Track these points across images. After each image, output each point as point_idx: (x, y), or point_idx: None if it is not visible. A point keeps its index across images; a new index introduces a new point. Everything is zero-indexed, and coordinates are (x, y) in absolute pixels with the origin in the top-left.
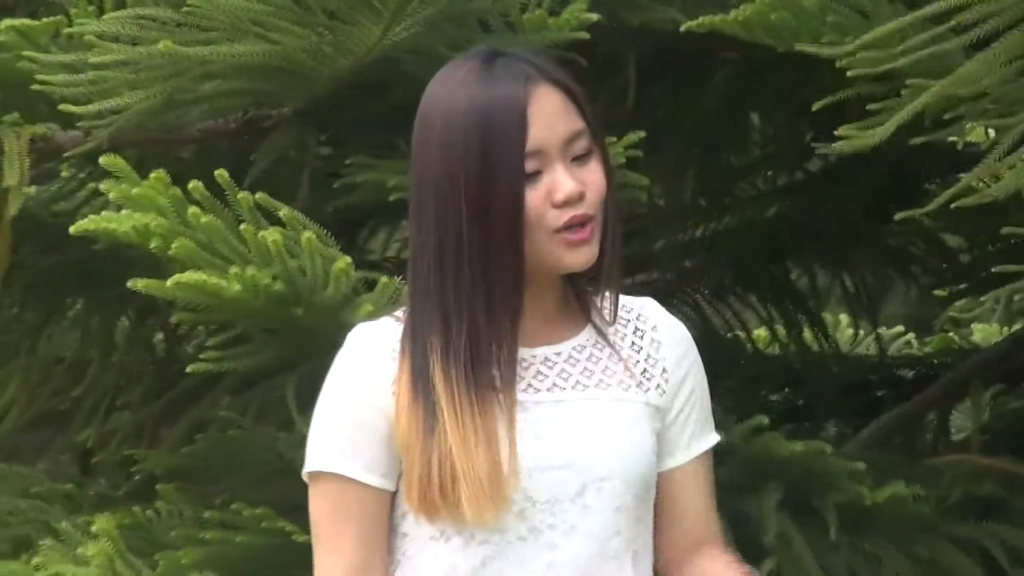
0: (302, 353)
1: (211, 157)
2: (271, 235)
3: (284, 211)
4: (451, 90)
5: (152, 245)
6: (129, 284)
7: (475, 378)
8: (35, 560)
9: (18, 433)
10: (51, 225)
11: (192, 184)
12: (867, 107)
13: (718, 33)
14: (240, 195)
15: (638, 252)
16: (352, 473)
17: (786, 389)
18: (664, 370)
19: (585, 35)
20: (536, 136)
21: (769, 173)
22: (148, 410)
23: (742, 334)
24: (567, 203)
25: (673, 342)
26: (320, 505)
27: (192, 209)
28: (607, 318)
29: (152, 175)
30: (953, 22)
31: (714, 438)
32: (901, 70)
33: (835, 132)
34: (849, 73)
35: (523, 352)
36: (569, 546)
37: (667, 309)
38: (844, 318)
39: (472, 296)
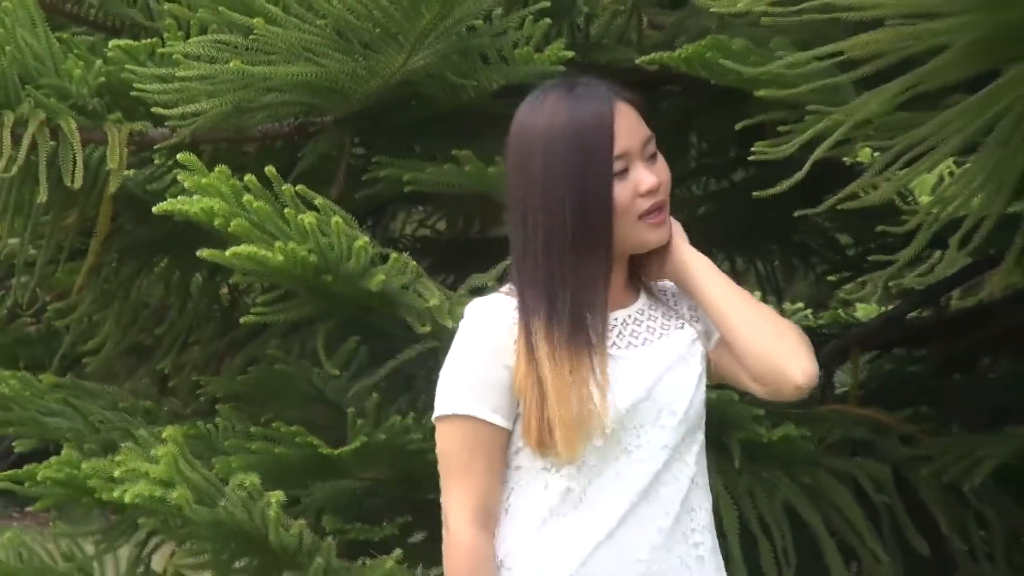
0: (330, 310)
1: (269, 153)
2: (307, 218)
3: (318, 200)
4: (545, 115)
5: (215, 223)
6: (198, 253)
7: (574, 341)
8: (117, 458)
9: (111, 361)
10: (144, 201)
11: (248, 177)
12: (777, 128)
13: (666, 70)
14: (284, 187)
15: None
16: (482, 415)
17: None
18: (687, 309)
19: (562, 68)
20: (621, 143)
21: (703, 180)
22: (213, 347)
23: None
24: (649, 193)
25: (686, 302)
26: (452, 442)
27: (247, 196)
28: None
29: (216, 169)
30: (843, 57)
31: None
32: (805, 100)
33: (751, 148)
34: (760, 93)
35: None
36: (652, 458)
37: None
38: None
39: (575, 273)
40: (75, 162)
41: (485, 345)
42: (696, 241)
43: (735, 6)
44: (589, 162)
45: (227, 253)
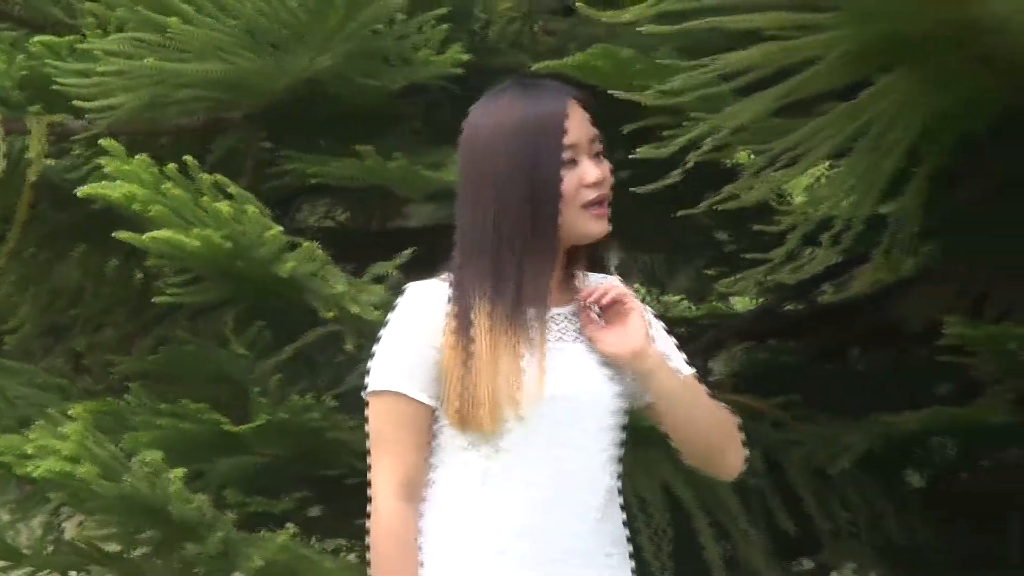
0: (239, 294)
1: (182, 145)
2: (222, 206)
3: (233, 189)
4: (500, 109)
5: (135, 208)
6: (116, 235)
7: (514, 322)
8: (30, 435)
9: (29, 341)
10: (63, 189)
11: (167, 165)
12: (660, 132)
13: (558, 74)
14: (202, 176)
15: None
16: (412, 393)
17: None
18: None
19: (459, 71)
20: (571, 135)
21: None
22: (125, 328)
23: None
24: (594, 184)
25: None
26: (384, 418)
27: (166, 184)
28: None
29: (138, 157)
30: (721, 67)
31: (689, 369)
32: (686, 106)
33: (635, 150)
34: (641, 97)
35: (532, 311)
36: (572, 458)
37: None
38: (640, 288)
39: (523, 256)
40: None
41: (418, 326)
42: None
43: (621, 17)
44: (542, 150)
45: (146, 237)
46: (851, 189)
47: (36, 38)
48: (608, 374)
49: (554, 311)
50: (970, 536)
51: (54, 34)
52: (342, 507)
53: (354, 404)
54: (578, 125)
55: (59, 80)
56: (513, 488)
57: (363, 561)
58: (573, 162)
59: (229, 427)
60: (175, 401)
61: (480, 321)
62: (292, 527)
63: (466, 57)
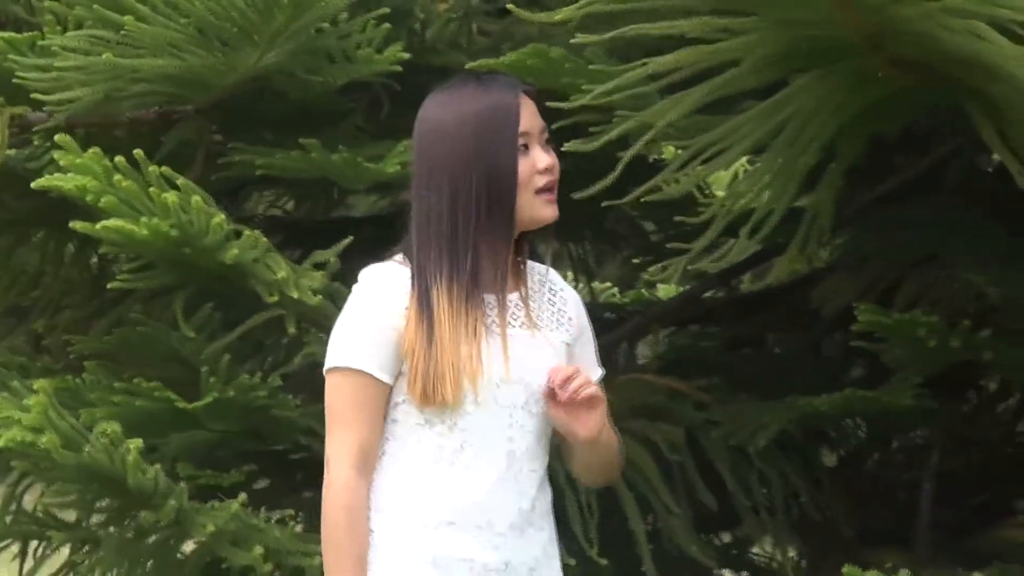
0: (188, 279)
1: (136, 137)
2: (170, 197)
3: (180, 180)
4: (456, 100)
5: (88, 199)
6: (71, 225)
7: (471, 302)
8: None
9: None
10: (24, 178)
11: (117, 158)
12: (589, 128)
13: (493, 72)
14: (151, 168)
15: None
16: (371, 371)
17: None
18: (570, 318)
19: (399, 69)
20: (524, 124)
21: None
22: (83, 310)
23: None
24: (547, 171)
25: (573, 300)
26: (342, 393)
27: (116, 176)
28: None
29: (90, 150)
30: (648, 68)
31: (600, 372)
32: (614, 104)
33: (564, 145)
34: (573, 100)
35: (488, 296)
36: (521, 439)
37: None
38: (570, 275)
39: (479, 236)
40: None
41: (379, 307)
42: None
43: (553, 18)
44: (498, 137)
45: (97, 226)
46: (769, 183)
47: None
48: (551, 359)
49: (505, 297)
50: (879, 513)
51: (15, 31)
52: (288, 480)
53: (298, 383)
54: (530, 115)
55: (20, 74)
56: (465, 465)
57: (307, 531)
58: (526, 148)
59: (181, 404)
60: (130, 379)
61: (441, 302)
62: (241, 498)
63: (406, 56)
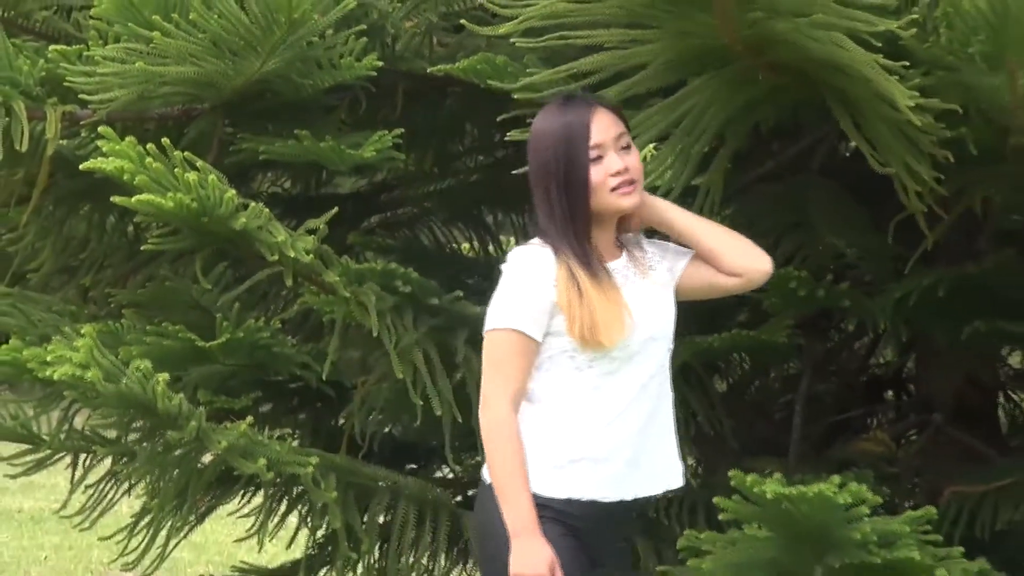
0: (205, 242)
1: (163, 129)
2: (191, 176)
3: (199, 163)
4: (549, 118)
5: (124, 178)
6: (112, 199)
7: (601, 269)
8: (49, 347)
9: (48, 277)
10: (73, 162)
11: (149, 145)
12: (527, 120)
13: (450, 76)
14: (175, 153)
15: (404, 197)
16: (528, 331)
17: (477, 276)
18: (650, 256)
19: (374, 73)
20: (596, 136)
21: (477, 157)
22: (122, 268)
23: (456, 246)
24: (618, 174)
25: (653, 248)
26: (503, 348)
27: (148, 159)
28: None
29: (126, 140)
30: (573, 70)
31: (687, 250)
32: (546, 99)
33: (507, 135)
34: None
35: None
36: (648, 369)
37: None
38: (512, 239)
39: (579, 225)
40: (23, 133)
41: (534, 279)
42: (469, 199)
43: (497, 32)
44: (570, 152)
45: (133, 200)
46: (671, 165)
47: (53, 47)
48: (670, 301)
49: (611, 264)
50: (760, 429)
51: (66, 44)
52: (286, 404)
53: (294, 326)
54: (603, 128)
55: (70, 79)
56: (607, 396)
57: (303, 445)
58: (600, 158)
59: (200, 343)
60: (159, 324)
61: (578, 269)
62: (248, 419)
63: (379, 63)
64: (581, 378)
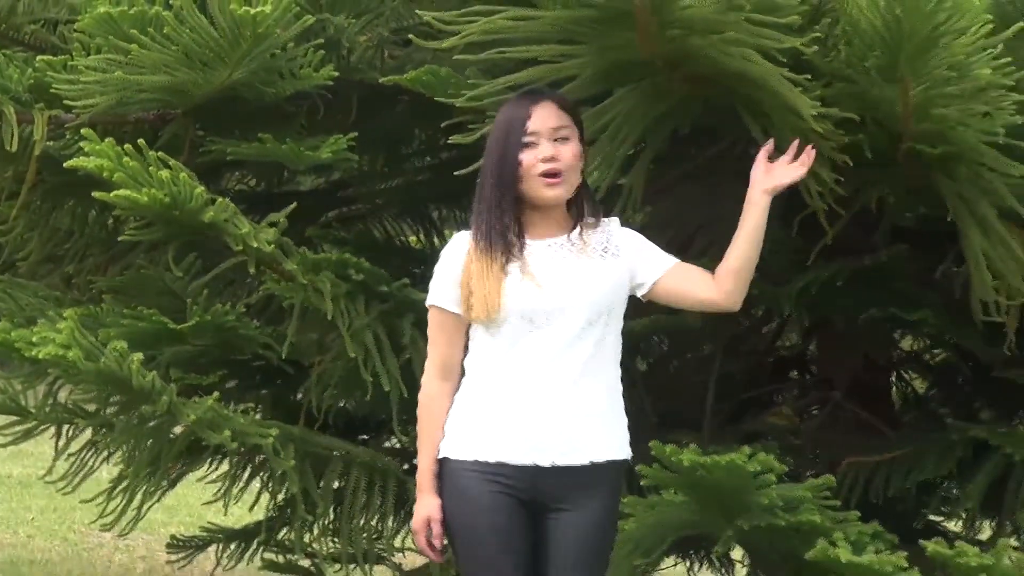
0: (178, 234)
1: (140, 131)
2: (164, 173)
3: (172, 162)
4: (502, 109)
5: (104, 175)
6: (93, 194)
7: (486, 251)
8: (35, 329)
9: (35, 266)
10: (58, 161)
11: (126, 146)
12: (468, 126)
13: (399, 86)
14: (150, 153)
15: (357, 194)
16: (443, 304)
17: (423, 266)
18: (616, 246)
19: (330, 83)
20: (533, 124)
21: (424, 158)
22: (101, 258)
23: (404, 238)
24: (547, 160)
25: (621, 233)
26: (430, 323)
27: (125, 159)
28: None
29: (106, 141)
30: (510, 81)
31: (674, 259)
32: (485, 107)
33: (451, 139)
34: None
35: (533, 241)
36: (560, 339)
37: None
38: (455, 232)
39: (493, 209)
40: (13, 134)
41: (448, 259)
42: (416, 196)
43: (442, 46)
44: (507, 137)
45: (112, 195)
46: (598, 166)
47: (40, 57)
48: (602, 282)
49: (544, 242)
50: (677, 405)
51: (52, 54)
52: (250, 381)
53: (257, 310)
54: (542, 118)
55: (55, 87)
56: (512, 364)
57: (264, 418)
58: (533, 144)
59: (172, 325)
60: (135, 308)
61: (472, 250)
62: (216, 394)
63: (336, 74)
64: (492, 348)
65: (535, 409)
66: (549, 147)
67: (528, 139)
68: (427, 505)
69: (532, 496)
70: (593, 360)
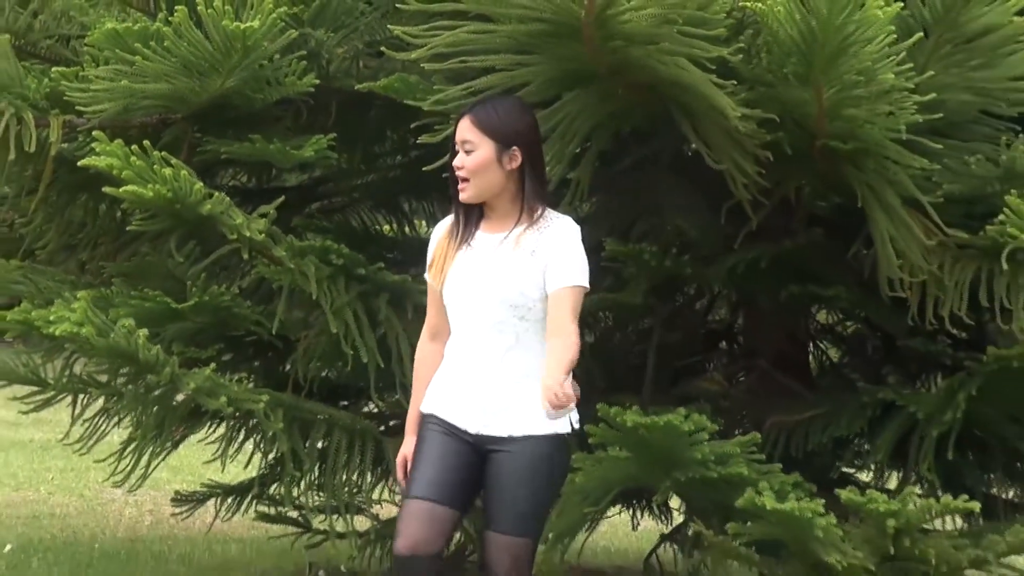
0: (178, 224)
1: (145, 133)
2: (166, 171)
3: (174, 161)
4: None
5: (114, 173)
6: (103, 190)
7: (451, 238)
8: (52, 309)
9: (53, 253)
10: (72, 161)
11: (133, 147)
12: (435, 127)
13: (373, 92)
14: (154, 153)
15: (337, 189)
16: (428, 277)
17: (395, 252)
18: (544, 248)
19: (312, 90)
20: (457, 136)
21: (397, 156)
22: (111, 246)
23: (379, 228)
24: (456, 169)
25: (553, 234)
26: (428, 297)
27: (132, 158)
28: (531, 226)
29: (115, 142)
30: (471, 87)
31: (564, 285)
32: (449, 111)
33: (419, 139)
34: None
35: (484, 234)
36: (483, 324)
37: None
38: (424, 223)
39: (454, 203)
40: (32, 137)
41: (432, 239)
42: (389, 191)
43: (411, 57)
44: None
45: (120, 191)
46: (548, 162)
47: (55, 69)
48: (522, 279)
49: (496, 234)
50: (621, 372)
51: (66, 66)
52: (243, 354)
53: (250, 292)
54: (458, 131)
55: (69, 94)
56: (453, 339)
57: (256, 387)
58: (456, 153)
59: (174, 305)
60: (141, 290)
61: (441, 236)
62: (213, 366)
63: (317, 81)
64: (451, 322)
65: (465, 382)
66: (459, 157)
67: (456, 148)
68: (407, 444)
69: (475, 440)
70: (516, 348)
